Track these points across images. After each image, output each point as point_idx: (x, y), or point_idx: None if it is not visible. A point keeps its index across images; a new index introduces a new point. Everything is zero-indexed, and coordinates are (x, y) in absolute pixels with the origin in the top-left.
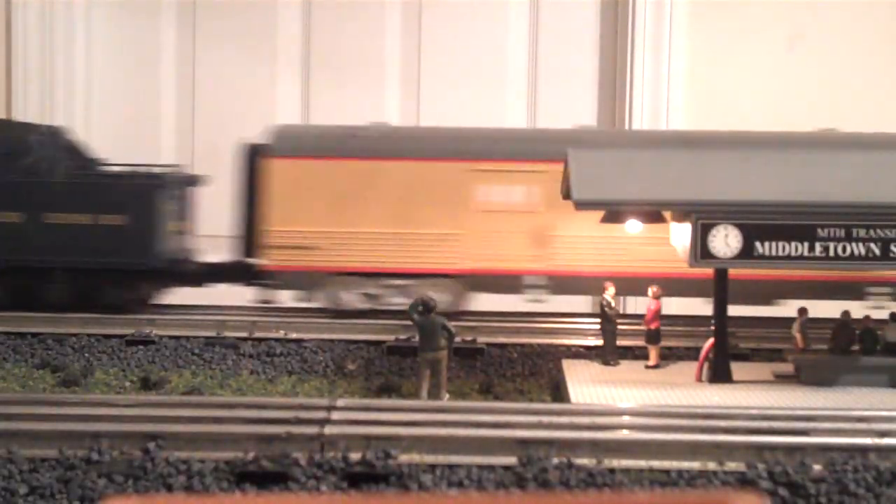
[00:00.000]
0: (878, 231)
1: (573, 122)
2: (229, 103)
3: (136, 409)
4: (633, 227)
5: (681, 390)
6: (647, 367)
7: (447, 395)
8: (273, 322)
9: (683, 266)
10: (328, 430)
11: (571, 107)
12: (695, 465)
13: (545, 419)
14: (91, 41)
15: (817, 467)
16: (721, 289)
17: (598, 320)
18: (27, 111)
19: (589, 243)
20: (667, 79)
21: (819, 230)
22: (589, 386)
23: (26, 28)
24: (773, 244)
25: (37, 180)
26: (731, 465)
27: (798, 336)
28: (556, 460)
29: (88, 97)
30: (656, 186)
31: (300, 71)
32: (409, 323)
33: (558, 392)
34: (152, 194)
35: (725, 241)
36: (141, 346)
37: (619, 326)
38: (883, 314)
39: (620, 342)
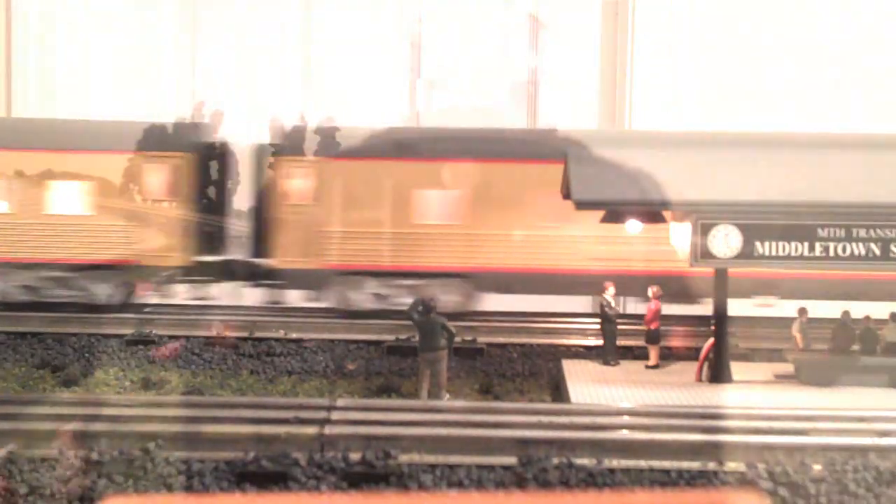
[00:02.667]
0: (878, 231)
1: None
2: (229, 98)
3: (136, 409)
4: (634, 227)
5: (681, 390)
6: (647, 367)
7: (447, 395)
8: (273, 322)
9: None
10: (328, 430)
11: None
12: (695, 465)
13: (545, 419)
14: (91, 30)
15: (817, 467)
16: (721, 289)
17: (598, 320)
18: (26, 108)
19: None
20: (668, 78)
21: (819, 230)
22: (589, 386)
23: (27, 26)
24: (773, 244)
25: None
26: (731, 465)
27: (798, 336)
28: (556, 460)
29: (87, 94)
30: (656, 187)
31: (300, 69)
32: (409, 323)
33: (558, 392)
34: None
35: (725, 241)
36: (141, 346)
37: None
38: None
39: (620, 342)
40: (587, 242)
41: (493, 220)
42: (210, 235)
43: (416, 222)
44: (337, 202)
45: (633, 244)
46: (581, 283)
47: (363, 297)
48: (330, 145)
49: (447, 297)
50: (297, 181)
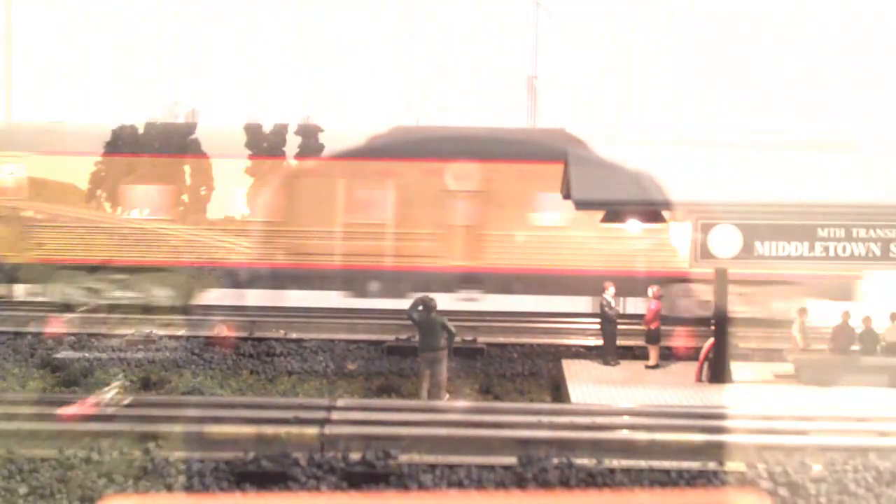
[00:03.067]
0: (878, 231)
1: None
2: (224, 91)
3: (136, 409)
4: (634, 226)
5: (681, 390)
6: (647, 367)
7: (447, 395)
8: (273, 322)
9: None
10: (328, 429)
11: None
12: (695, 465)
13: (545, 419)
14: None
15: (817, 467)
16: (721, 289)
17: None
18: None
19: None
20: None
21: (819, 230)
22: (589, 386)
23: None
24: (773, 244)
25: None
26: (731, 465)
27: (798, 336)
28: (556, 460)
29: (84, 86)
30: (656, 187)
31: (296, 63)
32: (409, 323)
33: (558, 392)
34: None
35: (725, 241)
36: (141, 346)
37: None
38: None
39: (620, 342)
40: (289, 237)
41: (199, 215)
42: None
43: (124, 217)
44: (46, 197)
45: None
46: (282, 277)
47: (77, 291)
48: (46, 141)
49: (159, 292)
50: (7, 176)
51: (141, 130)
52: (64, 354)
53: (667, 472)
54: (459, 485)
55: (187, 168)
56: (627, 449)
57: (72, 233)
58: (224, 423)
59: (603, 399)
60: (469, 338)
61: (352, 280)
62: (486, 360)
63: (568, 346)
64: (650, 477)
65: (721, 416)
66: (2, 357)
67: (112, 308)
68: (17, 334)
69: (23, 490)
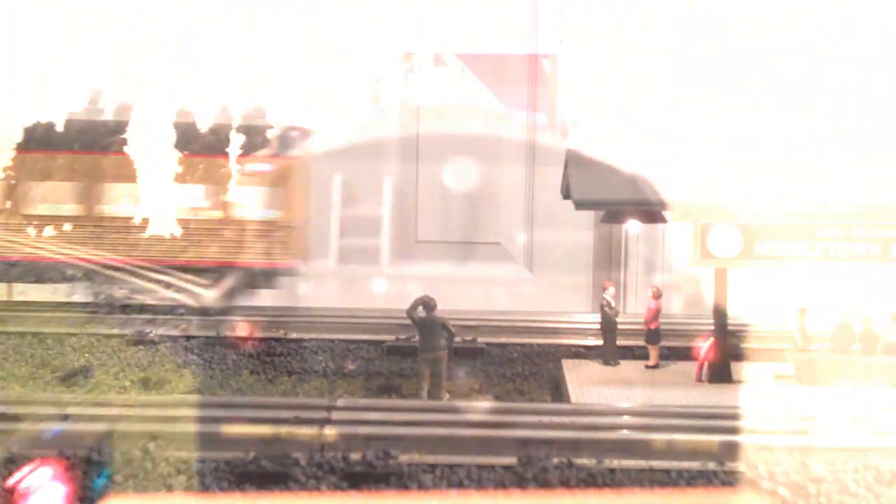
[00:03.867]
0: (878, 231)
1: None
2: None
3: (136, 409)
4: (634, 227)
5: (681, 390)
6: (647, 367)
7: (447, 395)
8: (273, 322)
9: None
10: (328, 430)
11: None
12: (695, 465)
13: (545, 419)
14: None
15: (817, 467)
16: (721, 289)
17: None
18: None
19: None
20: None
21: (819, 230)
22: (589, 386)
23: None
24: (773, 244)
25: None
26: (731, 465)
27: (798, 336)
28: (556, 460)
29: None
30: (656, 186)
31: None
32: (409, 323)
33: (558, 392)
34: None
35: (725, 241)
36: (141, 346)
37: None
38: None
39: (620, 342)
40: None
41: None
42: None
43: None
44: None
45: None
46: None
47: None
48: None
49: None
50: None
51: None
52: None
53: (667, 472)
54: (459, 485)
55: None
56: (627, 449)
57: None
58: (224, 423)
59: (603, 399)
60: (469, 338)
61: None
62: (486, 360)
63: (568, 346)
64: (650, 477)
65: (721, 416)
66: None
67: None
68: None
69: None
